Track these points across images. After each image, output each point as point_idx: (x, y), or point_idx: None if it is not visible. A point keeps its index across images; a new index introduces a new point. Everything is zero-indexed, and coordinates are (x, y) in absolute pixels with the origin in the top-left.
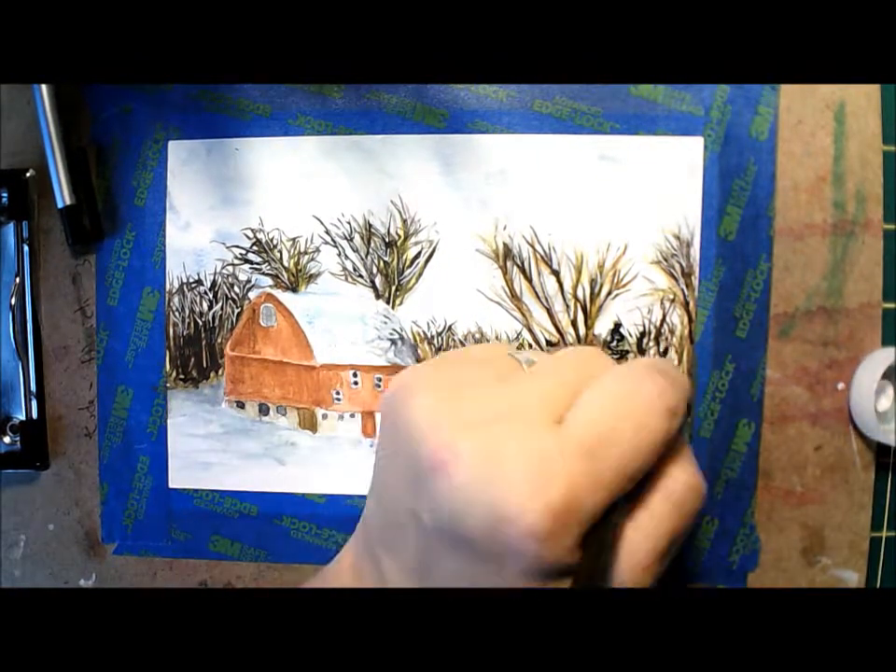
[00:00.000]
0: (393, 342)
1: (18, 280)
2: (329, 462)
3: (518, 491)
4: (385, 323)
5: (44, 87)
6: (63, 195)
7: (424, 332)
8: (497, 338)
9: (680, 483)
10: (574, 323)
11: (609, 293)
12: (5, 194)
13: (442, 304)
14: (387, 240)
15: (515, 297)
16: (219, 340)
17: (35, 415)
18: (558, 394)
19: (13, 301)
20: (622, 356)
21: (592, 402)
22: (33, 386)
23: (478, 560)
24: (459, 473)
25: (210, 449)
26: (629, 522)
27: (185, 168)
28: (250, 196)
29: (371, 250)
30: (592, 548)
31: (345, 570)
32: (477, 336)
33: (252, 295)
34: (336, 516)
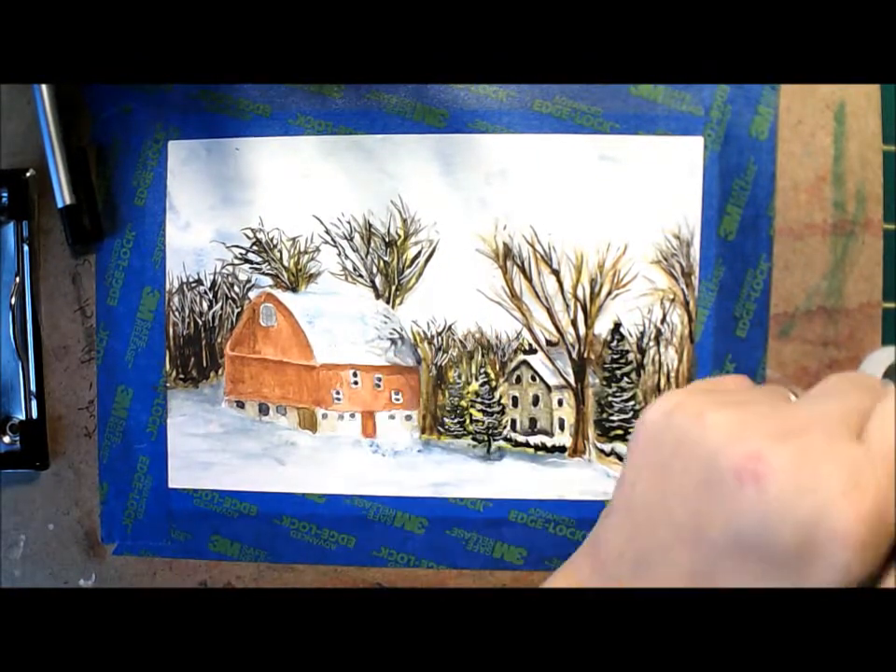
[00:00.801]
0: (393, 341)
1: (18, 280)
2: (329, 462)
3: (835, 502)
4: (385, 323)
5: (44, 87)
6: (62, 195)
7: (424, 332)
8: (497, 338)
9: None
10: (574, 323)
11: (610, 293)
12: (5, 194)
13: (442, 304)
14: (387, 240)
15: (515, 296)
16: (219, 339)
17: (34, 415)
18: (851, 412)
19: (13, 300)
20: (622, 355)
21: (886, 419)
22: (33, 386)
23: (778, 571)
24: (772, 482)
25: (210, 449)
26: None
27: (185, 168)
28: (250, 196)
29: (371, 250)
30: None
31: None
32: (477, 336)
33: (252, 295)
34: (336, 516)
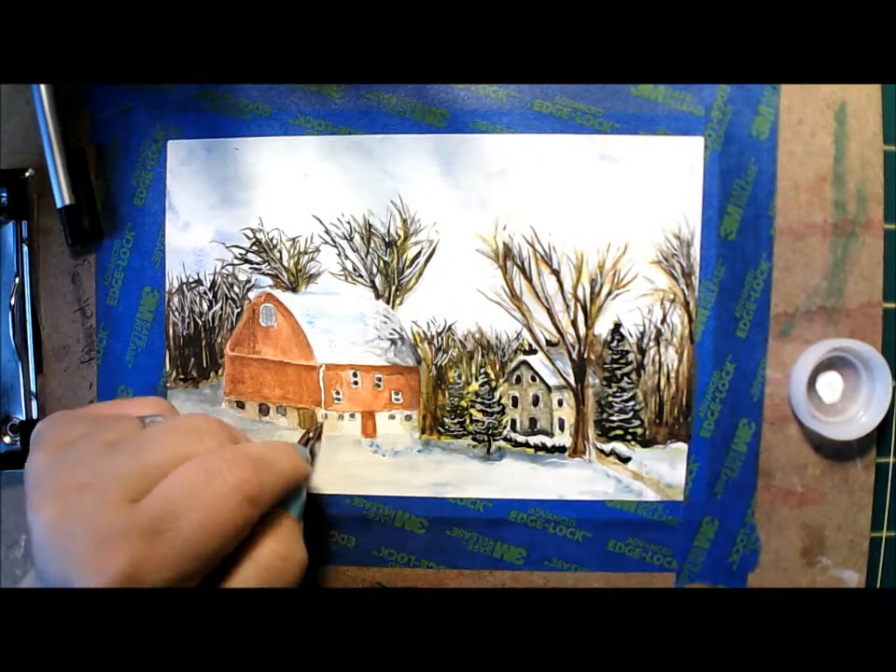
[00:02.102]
0: (393, 341)
1: (17, 280)
2: (329, 461)
3: (82, 566)
4: (385, 323)
5: (43, 87)
6: (62, 195)
7: (424, 332)
8: (497, 338)
9: (269, 550)
10: (574, 323)
11: (610, 293)
12: (4, 194)
13: (442, 304)
14: (387, 240)
15: (515, 297)
16: (219, 340)
17: (34, 415)
18: (140, 473)
19: (13, 301)
20: (622, 355)
21: (169, 486)
22: (32, 386)
23: None
24: (39, 537)
25: None
26: (222, 584)
27: (184, 168)
28: (250, 196)
29: (370, 250)
30: None
31: None
32: (477, 336)
33: (252, 295)
34: (336, 516)
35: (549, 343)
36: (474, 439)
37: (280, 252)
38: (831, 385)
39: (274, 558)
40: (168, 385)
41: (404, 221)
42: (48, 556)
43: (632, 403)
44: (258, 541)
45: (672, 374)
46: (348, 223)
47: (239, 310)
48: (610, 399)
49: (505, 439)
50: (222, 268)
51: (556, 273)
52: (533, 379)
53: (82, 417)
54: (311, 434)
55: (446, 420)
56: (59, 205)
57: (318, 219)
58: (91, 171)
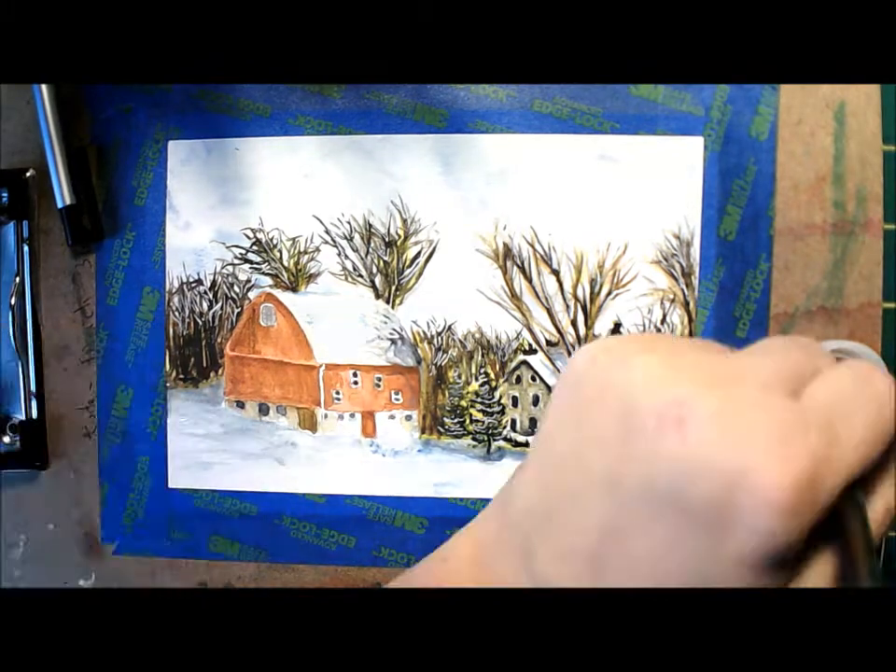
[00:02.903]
0: (393, 341)
1: (18, 280)
2: (329, 462)
3: (761, 458)
4: (385, 323)
5: (44, 87)
6: (63, 195)
7: (424, 332)
8: (497, 338)
9: None
10: (574, 323)
11: (609, 293)
12: (5, 194)
13: (442, 304)
14: (387, 240)
15: (515, 297)
16: (219, 340)
17: (34, 415)
18: (791, 369)
19: (13, 300)
20: None
21: (830, 383)
22: (33, 386)
23: (695, 530)
24: (695, 431)
25: (210, 449)
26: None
27: (185, 168)
28: (250, 196)
29: (370, 250)
30: (821, 544)
31: (464, 564)
32: (477, 336)
33: (252, 295)
34: (336, 516)
35: (549, 342)
36: (474, 439)
37: (280, 252)
38: None
39: None
40: (168, 384)
41: (404, 221)
42: (707, 449)
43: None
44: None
45: None
46: (348, 223)
47: (239, 310)
48: None
49: (505, 439)
50: (222, 268)
51: (556, 272)
52: (533, 379)
53: (656, 338)
54: None
55: (446, 420)
56: (59, 205)
57: (318, 219)
58: (91, 171)
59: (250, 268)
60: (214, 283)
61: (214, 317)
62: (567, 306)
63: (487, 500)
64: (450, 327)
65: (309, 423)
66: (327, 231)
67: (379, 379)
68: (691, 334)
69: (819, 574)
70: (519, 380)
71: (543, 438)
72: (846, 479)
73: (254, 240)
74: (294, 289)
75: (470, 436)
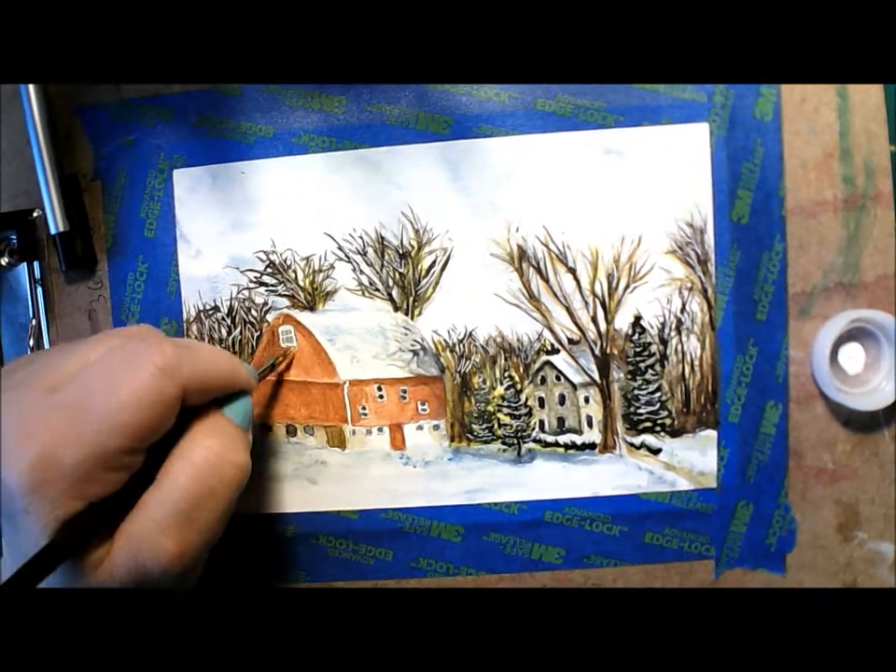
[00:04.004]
0: (415, 352)
1: (34, 322)
2: (361, 477)
3: (6, 453)
4: (406, 334)
5: (36, 111)
6: (56, 222)
7: (445, 340)
8: (518, 340)
9: (203, 448)
10: (594, 319)
11: (627, 286)
12: (13, 236)
13: (461, 311)
14: (401, 251)
15: (533, 298)
16: None
17: None
18: (62, 365)
19: (31, 342)
20: (644, 348)
21: (87, 370)
22: None
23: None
24: None
25: None
26: (152, 487)
27: (192, 196)
28: (260, 218)
29: (385, 263)
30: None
31: None
32: (498, 340)
33: (270, 317)
34: (371, 531)
35: (571, 341)
36: (504, 443)
37: (295, 272)
38: (853, 357)
39: (209, 454)
40: None
41: (416, 231)
42: None
43: (658, 395)
44: (190, 439)
45: (696, 362)
46: (360, 238)
47: (258, 333)
48: (636, 392)
49: (534, 440)
50: (238, 293)
51: (572, 270)
52: (558, 378)
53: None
54: (277, 360)
55: (474, 426)
56: (52, 232)
57: (330, 236)
58: (84, 198)
59: (266, 291)
60: (231, 308)
61: (234, 343)
62: (586, 303)
63: (522, 503)
64: (471, 333)
65: (337, 440)
66: (340, 248)
67: (404, 391)
68: (711, 321)
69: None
70: (544, 380)
71: None
72: (94, 450)
73: (267, 262)
74: (312, 309)
75: (500, 440)
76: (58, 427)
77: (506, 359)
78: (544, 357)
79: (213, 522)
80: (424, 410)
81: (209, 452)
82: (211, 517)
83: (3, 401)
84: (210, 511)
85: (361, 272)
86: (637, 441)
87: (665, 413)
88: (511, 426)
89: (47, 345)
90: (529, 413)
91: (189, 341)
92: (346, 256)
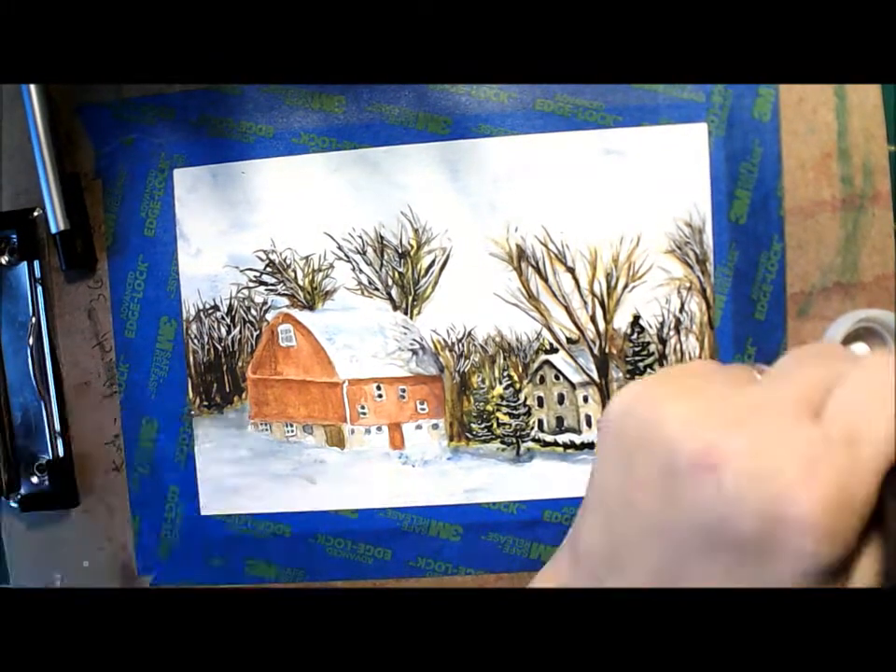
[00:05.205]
0: (414, 352)
1: (34, 320)
2: (360, 477)
3: (791, 488)
4: (405, 334)
5: (37, 111)
6: (56, 221)
7: (444, 340)
8: (517, 340)
9: None
10: (593, 318)
11: (626, 286)
12: (13, 235)
13: (460, 310)
14: (400, 251)
15: (532, 297)
16: (240, 364)
17: (61, 453)
18: (809, 389)
19: (31, 341)
20: (643, 347)
21: (847, 395)
22: (56, 425)
23: (745, 563)
24: (728, 473)
25: (239, 473)
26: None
27: (192, 195)
28: (259, 218)
29: (384, 262)
30: (868, 543)
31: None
32: (497, 339)
33: (269, 316)
34: (370, 530)
35: (570, 340)
36: (503, 442)
37: (294, 271)
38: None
39: None
40: (192, 412)
41: (416, 231)
42: (741, 487)
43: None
44: None
45: None
46: (360, 237)
47: (258, 332)
48: None
49: (533, 439)
50: (238, 292)
51: (571, 270)
52: (557, 378)
53: (682, 374)
54: None
55: (473, 426)
56: (53, 230)
57: (330, 236)
58: (84, 197)
59: (266, 290)
60: (230, 308)
61: (233, 342)
62: (585, 302)
63: (521, 503)
64: (470, 332)
65: (336, 439)
66: (339, 247)
67: (403, 390)
68: (709, 321)
69: (868, 570)
70: (543, 380)
71: (596, 484)
72: (875, 482)
73: (267, 262)
74: (311, 308)
75: (499, 440)
76: (843, 460)
77: (505, 359)
78: (543, 357)
79: None
80: (423, 409)
81: None
82: None
83: (765, 431)
84: None
85: (361, 271)
86: None
87: None
88: (510, 425)
89: (46, 344)
90: (528, 413)
91: None
92: (346, 255)
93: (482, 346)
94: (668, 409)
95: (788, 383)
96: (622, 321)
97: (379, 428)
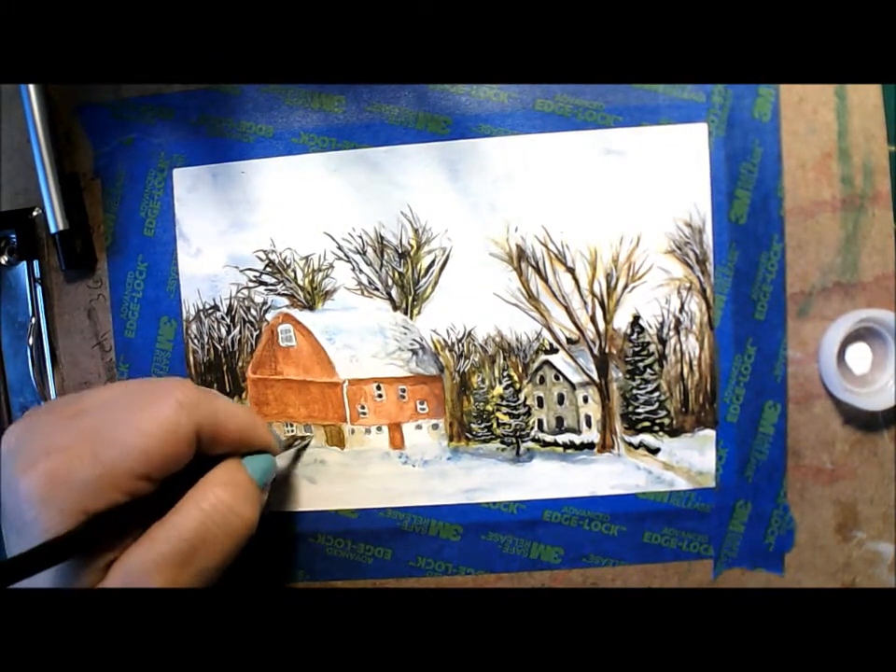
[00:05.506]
0: (414, 352)
1: (33, 320)
2: (360, 476)
3: (26, 460)
4: (405, 334)
5: (36, 111)
6: (55, 220)
7: (444, 340)
8: (517, 340)
9: (214, 496)
10: (593, 319)
11: (626, 286)
12: (13, 235)
13: (460, 311)
14: (400, 251)
15: (532, 297)
16: (240, 364)
17: None
18: (84, 397)
19: (30, 341)
20: (643, 347)
21: (107, 398)
22: None
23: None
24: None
25: None
26: (158, 523)
27: (191, 195)
28: (259, 218)
29: (384, 262)
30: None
31: None
32: (497, 339)
33: (269, 316)
34: (370, 530)
35: (569, 340)
36: (502, 442)
37: (294, 271)
38: (859, 356)
39: (218, 504)
40: None
41: (416, 231)
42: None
43: (657, 394)
44: (204, 484)
45: (694, 362)
46: (360, 237)
47: (258, 332)
48: (635, 391)
49: (533, 440)
50: (238, 292)
51: (571, 270)
52: (556, 378)
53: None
54: (297, 442)
55: (473, 426)
56: (52, 230)
57: (330, 236)
58: (84, 197)
59: (266, 290)
60: (230, 307)
61: (233, 342)
62: (585, 303)
63: (521, 503)
64: (470, 332)
65: (336, 439)
66: (339, 247)
67: (403, 390)
68: (709, 321)
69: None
70: (543, 380)
71: None
72: (105, 468)
73: (267, 262)
74: (311, 308)
75: (499, 440)
76: (76, 447)
77: (505, 359)
78: (543, 357)
79: (208, 569)
80: (423, 409)
81: (218, 500)
82: (208, 564)
83: (27, 423)
84: (207, 558)
85: (361, 271)
86: (635, 440)
87: (664, 412)
88: (510, 425)
89: (46, 344)
90: (528, 413)
91: (212, 390)
92: (346, 255)
93: (482, 346)
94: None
95: (74, 394)
96: (621, 321)
97: (379, 428)
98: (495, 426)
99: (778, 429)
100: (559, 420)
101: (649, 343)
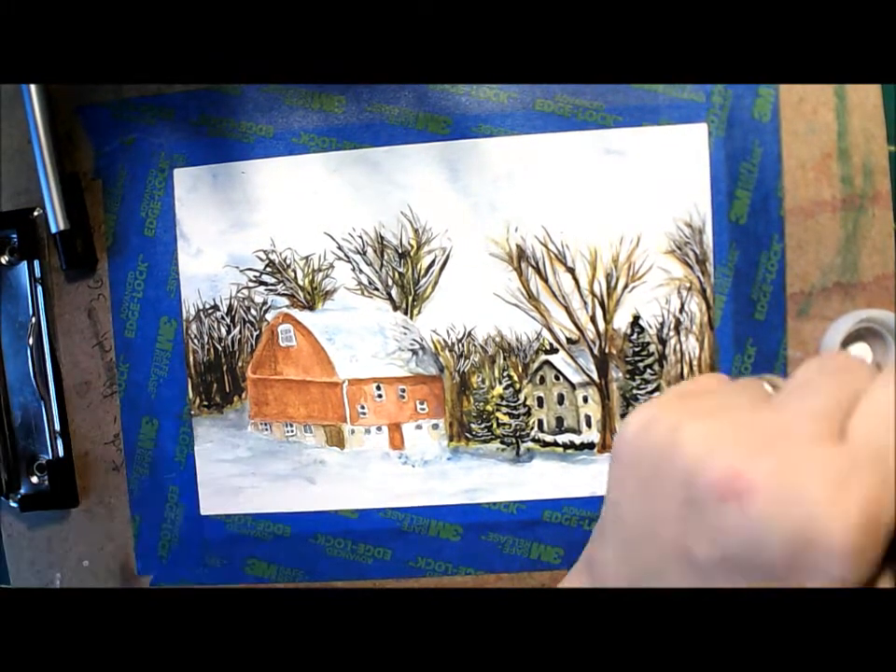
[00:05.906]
0: (414, 352)
1: (34, 319)
2: (360, 477)
3: (821, 509)
4: (405, 334)
5: (37, 111)
6: (56, 220)
7: (444, 340)
8: (517, 340)
9: None
10: (593, 319)
11: (626, 286)
12: (14, 235)
13: (460, 310)
14: (400, 251)
15: (532, 297)
16: (240, 364)
17: (61, 454)
18: (831, 408)
19: (31, 340)
20: (643, 347)
21: (870, 413)
22: (56, 425)
23: (771, 586)
24: (756, 499)
25: (239, 473)
26: None
27: (192, 195)
28: (260, 218)
29: (384, 262)
30: (890, 559)
31: None
32: (497, 339)
33: (269, 316)
34: (370, 530)
35: (569, 340)
36: (502, 442)
37: (294, 271)
38: (860, 356)
39: None
40: (192, 412)
41: (416, 231)
42: (769, 513)
43: (657, 395)
44: None
45: (695, 362)
46: (360, 237)
47: (258, 332)
48: (635, 391)
49: (533, 440)
50: (238, 292)
51: (571, 270)
52: (556, 378)
53: (698, 392)
54: None
55: (473, 426)
56: (53, 230)
57: (330, 236)
58: (84, 197)
59: (266, 290)
60: (230, 307)
61: (233, 342)
62: (585, 303)
63: (521, 503)
64: (470, 332)
65: (336, 439)
66: (339, 247)
67: (403, 390)
68: (709, 321)
69: (889, 584)
70: (543, 380)
71: (610, 505)
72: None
73: (267, 261)
74: (311, 308)
75: (498, 440)
76: (873, 483)
77: (505, 359)
78: (543, 357)
79: None
80: (423, 409)
81: None
82: None
83: (788, 454)
84: None
85: (361, 271)
86: None
87: None
88: (510, 425)
89: (46, 344)
90: (528, 413)
91: None
92: (346, 255)
93: (482, 346)
94: (686, 431)
95: (808, 401)
96: (621, 321)
97: (379, 428)
98: (495, 426)
99: None
100: (559, 420)
101: (649, 344)
